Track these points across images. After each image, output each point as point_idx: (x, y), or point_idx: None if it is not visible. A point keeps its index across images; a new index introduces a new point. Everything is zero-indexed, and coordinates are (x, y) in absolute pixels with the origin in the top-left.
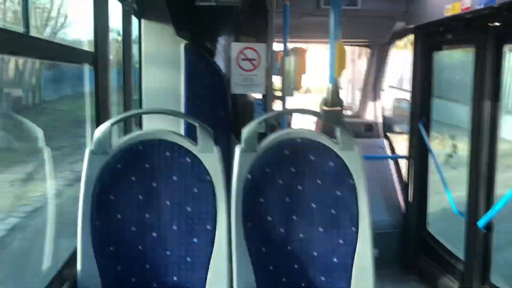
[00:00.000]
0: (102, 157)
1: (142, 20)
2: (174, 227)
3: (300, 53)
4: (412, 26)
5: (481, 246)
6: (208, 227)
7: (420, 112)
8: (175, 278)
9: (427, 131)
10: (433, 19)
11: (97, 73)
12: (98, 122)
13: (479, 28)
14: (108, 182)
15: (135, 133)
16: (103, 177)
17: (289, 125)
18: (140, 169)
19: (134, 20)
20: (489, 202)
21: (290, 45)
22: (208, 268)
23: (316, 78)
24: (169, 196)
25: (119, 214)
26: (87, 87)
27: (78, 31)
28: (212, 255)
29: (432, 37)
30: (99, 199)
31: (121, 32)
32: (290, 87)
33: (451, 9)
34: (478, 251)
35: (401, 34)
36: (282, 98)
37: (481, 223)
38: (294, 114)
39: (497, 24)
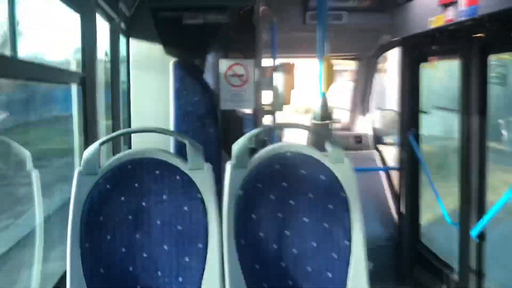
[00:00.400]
0: (91, 178)
1: (130, 39)
2: (165, 247)
3: (288, 69)
4: (398, 38)
5: (475, 256)
6: (200, 245)
7: (410, 123)
8: None
9: (417, 142)
10: (418, 31)
11: (85, 94)
12: (86, 142)
13: (463, 39)
14: (97, 203)
15: (123, 153)
16: (92, 198)
17: (280, 139)
18: (129, 188)
19: (122, 39)
20: (481, 211)
21: (279, 61)
22: None
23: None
24: (159, 215)
25: (109, 235)
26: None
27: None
28: (204, 274)
29: (418, 49)
30: (89, 221)
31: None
32: (279, 102)
33: (435, 21)
34: (472, 261)
35: (387, 47)
36: (272, 113)
37: (474, 232)
38: (285, 129)
39: (480, 35)
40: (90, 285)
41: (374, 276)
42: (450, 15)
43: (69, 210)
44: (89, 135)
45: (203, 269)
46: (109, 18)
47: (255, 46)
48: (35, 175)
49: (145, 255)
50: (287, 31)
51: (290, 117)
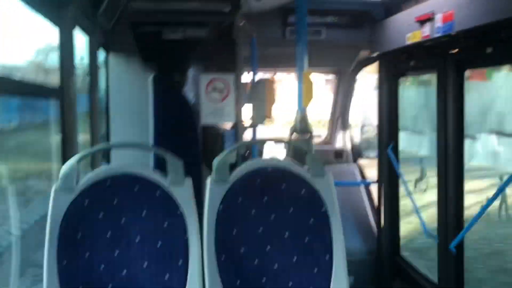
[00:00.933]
0: (68, 194)
1: (110, 53)
2: (145, 264)
3: (269, 83)
4: (376, 54)
5: (453, 268)
6: (180, 262)
7: (388, 137)
8: None
9: (396, 156)
10: (396, 46)
11: (63, 107)
12: (64, 157)
13: (439, 54)
14: (75, 220)
15: (102, 168)
16: (69, 214)
17: (261, 154)
18: (108, 205)
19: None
20: (458, 224)
21: (259, 75)
22: None
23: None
24: (139, 232)
25: (87, 253)
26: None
27: None
28: None
29: (396, 64)
30: (66, 238)
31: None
32: (260, 116)
33: (412, 37)
34: (451, 273)
35: (366, 62)
36: (253, 128)
37: (452, 245)
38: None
39: (456, 50)
40: None
41: None
42: (427, 31)
43: (46, 227)
44: (67, 150)
45: (184, 286)
46: (88, 32)
47: (235, 60)
48: (11, 190)
49: (124, 272)
50: (267, 46)
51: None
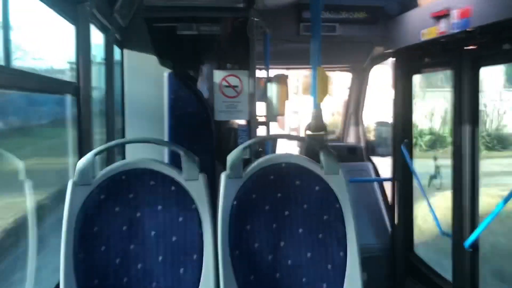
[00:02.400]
0: (85, 188)
1: (125, 50)
2: (160, 258)
3: (282, 80)
4: (390, 50)
5: (468, 267)
6: (195, 256)
7: (402, 134)
8: None
9: (410, 153)
10: (411, 43)
11: (79, 103)
12: (80, 152)
13: (455, 51)
14: (91, 214)
15: (118, 163)
16: (86, 208)
17: (274, 150)
18: (124, 199)
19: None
20: (473, 222)
21: (273, 72)
22: None
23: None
24: (154, 226)
25: (103, 246)
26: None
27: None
28: (199, 286)
29: (410, 61)
30: (82, 231)
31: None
32: (273, 113)
33: (427, 34)
34: (466, 272)
35: (380, 58)
36: (266, 124)
37: (467, 243)
38: (279, 140)
39: (472, 47)
40: None
41: (367, 287)
42: (443, 28)
43: (63, 221)
44: (83, 145)
45: (198, 280)
46: (104, 29)
47: (249, 57)
48: (28, 185)
49: (139, 266)
50: (281, 42)
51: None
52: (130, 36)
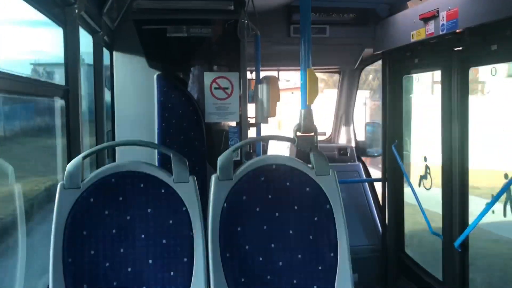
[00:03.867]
0: (74, 192)
1: (114, 52)
2: (150, 261)
3: (272, 81)
4: (380, 51)
5: (458, 266)
6: (185, 259)
7: (392, 135)
8: None
9: (400, 153)
10: (400, 44)
11: (68, 106)
12: (69, 155)
13: (444, 52)
14: (80, 217)
15: (107, 166)
16: (75, 212)
17: (265, 152)
18: (113, 202)
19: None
20: (463, 221)
21: (264, 74)
22: None
23: None
24: (144, 229)
25: (92, 250)
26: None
27: None
28: None
29: (400, 62)
30: (72, 235)
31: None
32: (263, 115)
33: (416, 35)
34: (455, 271)
35: (370, 60)
36: (257, 126)
37: (457, 243)
38: (270, 142)
39: (461, 48)
40: None
41: None
42: (431, 29)
43: (52, 224)
44: (72, 149)
45: (189, 283)
46: (92, 31)
47: (240, 58)
48: (17, 189)
49: (129, 269)
50: (272, 44)
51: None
52: (120, 38)
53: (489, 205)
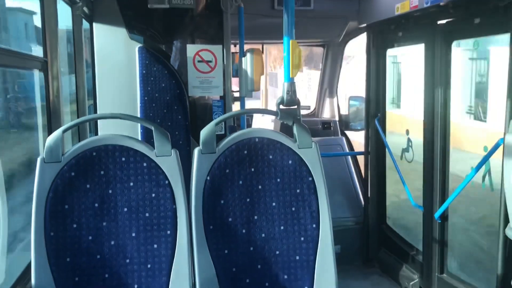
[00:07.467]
0: (54, 166)
1: (94, 24)
2: (133, 234)
3: (256, 54)
4: (364, 25)
5: (438, 237)
6: (168, 232)
7: (375, 108)
8: (136, 286)
9: (383, 126)
10: (384, 17)
11: (47, 79)
12: (50, 129)
13: (428, 25)
14: (61, 191)
15: (87, 140)
16: (56, 186)
17: (249, 126)
18: (94, 176)
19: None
20: (444, 193)
21: (247, 47)
22: (169, 274)
23: None
24: (126, 202)
25: (75, 224)
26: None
27: None
28: (174, 261)
29: (384, 35)
30: (53, 209)
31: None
32: (248, 88)
33: (401, 8)
34: (435, 242)
35: (354, 33)
36: (240, 99)
37: (437, 214)
38: (255, 116)
39: (445, 21)
40: (56, 275)
41: (341, 259)
42: (415, 2)
43: (33, 199)
44: (52, 122)
45: (172, 255)
46: (71, 2)
47: (223, 31)
48: None
49: (112, 243)
50: (256, 17)
51: None
52: (99, 9)
53: (468, 178)
